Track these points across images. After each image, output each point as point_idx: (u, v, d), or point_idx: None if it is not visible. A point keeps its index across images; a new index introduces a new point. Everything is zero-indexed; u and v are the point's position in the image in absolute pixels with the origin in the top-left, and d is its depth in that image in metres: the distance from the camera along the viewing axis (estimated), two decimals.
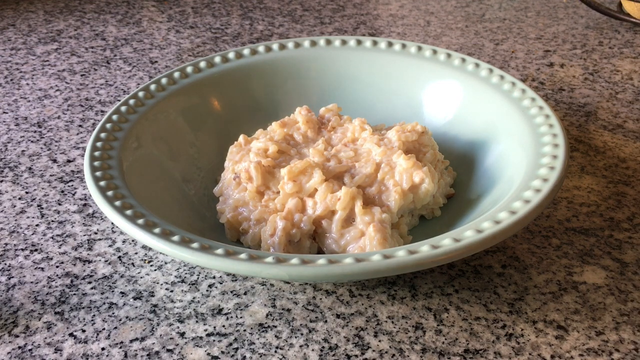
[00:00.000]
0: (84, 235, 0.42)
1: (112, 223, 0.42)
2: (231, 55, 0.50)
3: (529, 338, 0.34)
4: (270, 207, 0.39)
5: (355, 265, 0.31)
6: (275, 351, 0.33)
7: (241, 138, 0.44)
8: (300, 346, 0.34)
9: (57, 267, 0.39)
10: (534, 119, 0.41)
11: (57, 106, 0.57)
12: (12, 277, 0.39)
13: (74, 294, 0.37)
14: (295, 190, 0.38)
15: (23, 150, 0.51)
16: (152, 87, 0.46)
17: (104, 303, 0.37)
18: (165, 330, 0.35)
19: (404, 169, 0.39)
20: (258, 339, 0.34)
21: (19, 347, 0.34)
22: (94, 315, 0.36)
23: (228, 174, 0.42)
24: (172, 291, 0.37)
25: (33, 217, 0.43)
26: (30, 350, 0.34)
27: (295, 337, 0.34)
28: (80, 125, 0.54)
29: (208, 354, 0.33)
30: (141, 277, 0.38)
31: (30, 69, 0.64)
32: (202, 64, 0.49)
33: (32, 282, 0.38)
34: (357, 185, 0.39)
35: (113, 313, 0.36)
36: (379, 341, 0.34)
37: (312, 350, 0.34)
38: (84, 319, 0.36)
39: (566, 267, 0.38)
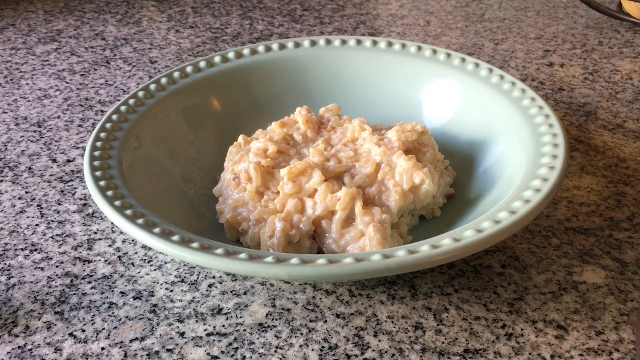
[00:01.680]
0: (84, 235, 0.42)
1: (112, 223, 0.42)
2: (231, 55, 0.50)
3: (529, 338, 0.34)
4: (270, 208, 0.39)
5: (355, 265, 0.31)
6: (275, 351, 0.33)
7: (241, 138, 0.44)
8: (300, 346, 0.34)
9: (57, 267, 0.39)
10: (534, 119, 0.41)
11: (57, 106, 0.57)
12: (12, 277, 0.39)
13: (74, 294, 0.37)
14: (295, 191, 0.38)
15: (23, 150, 0.51)
16: (152, 87, 0.46)
17: (104, 303, 0.37)
18: (165, 330, 0.35)
19: (405, 170, 0.39)
20: (258, 339, 0.34)
21: (19, 347, 0.34)
22: (94, 315, 0.36)
23: (228, 175, 0.42)
24: (172, 291, 0.37)
25: (33, 217, 0.43)
26: (30, 350, 0.34)
27: (295, 337, 0.34)
28: (80, 125, 0.54)
29: (208, 354, 0.33)
30: (141, 277, 0.38)
31: (30, 69, 0.64)
32: (202, 64, 0.49)
33: (32, 282, 0.38)
34: (357, 186, 0.39)
35: (113, 313, 0.36)
36: (379, 341, 0.34)
37: (312, 350, 0.34)
38: (84, 319, 0.36)
39: (566, 267, 0.38)
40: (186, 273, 0.38)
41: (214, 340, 0.34)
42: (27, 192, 0.46)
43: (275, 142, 0.42)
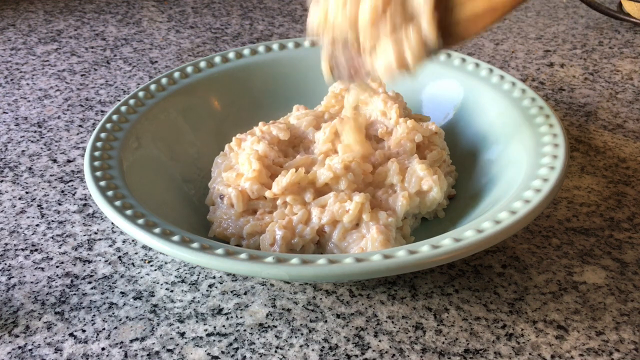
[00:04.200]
0: (84, 235, 0.42)
1: (112, 223, 0.42)
2: (231, 55, 0.50)
3: (529, 338, 0.34)
4: (265, 220, 0.38)
5: (355, 265, 0.31)
6: (276, 351, 0.33)
7: (227, 148, 0.43)
8: (301, 346, 0.34)
9: (57, 267, 0.39)
10: (534, 119, 0.41)
11: (57, 106, 0.57)
12: (12, 277, 0.39)
13: (74, 294, 0.37)
14: (298, 201, 0.38)
15: (23, 150, 0.51)
16: (152, 87, 0.46)
17: (104, 303, 0.37)
18: (166, 330, 0.35)
19: (417, 176, 0.38)
20: (258, 339, 0.34)
21: (19, 347, 0.34)
22: (94, 315, 0.36)
23: (215, 184, 0.41)
24: (172, 291, 0.37)
25: (33, 217, 0.43)
26: (30, 350, 0.34)
27: (296, 337, 0.34)
28: (80, 125, 0.54)
29: (208, 354, 0.33)
30: (141, 277, 0.38)
31: (30, 69, 0.64)
32: (202, 64, 0.49)
33: (32, 282, 0.38)
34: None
35: (113, 313, 0.36)
36: (379, 341, 0.34)
37: (312, 350, 0.34)
38: (84, 319, 0.36)
39: (566, 267, 0.38)
40: (186, 273, 0.38)
41: (214, 340, 0.34)
42: (27, 192, 0.46)
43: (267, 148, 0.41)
